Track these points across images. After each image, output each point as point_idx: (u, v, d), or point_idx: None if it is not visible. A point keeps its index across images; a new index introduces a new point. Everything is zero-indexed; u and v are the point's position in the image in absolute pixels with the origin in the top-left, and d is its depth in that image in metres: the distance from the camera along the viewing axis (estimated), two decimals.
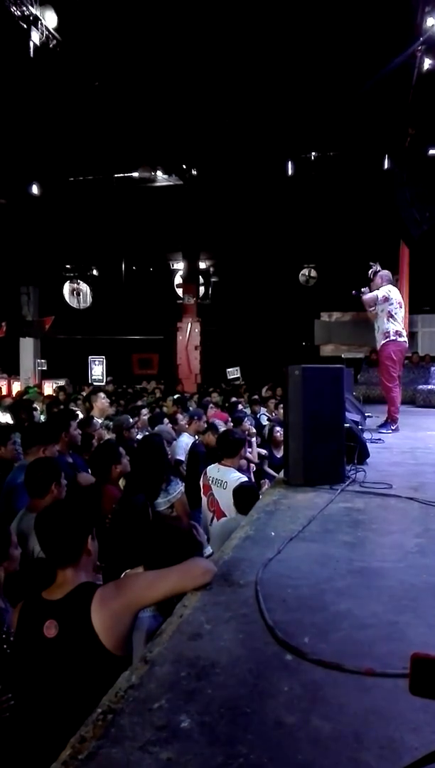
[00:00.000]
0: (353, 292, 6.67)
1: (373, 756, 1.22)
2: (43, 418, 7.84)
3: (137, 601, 1.88)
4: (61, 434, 4.47)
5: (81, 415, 6.09)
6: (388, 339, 6.36)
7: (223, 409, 9.16)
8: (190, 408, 7.94)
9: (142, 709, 1.37)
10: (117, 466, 4.05)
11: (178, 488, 3.82)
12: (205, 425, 6.33)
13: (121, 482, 4.22)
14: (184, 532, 2.51)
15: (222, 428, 5.99)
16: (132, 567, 2.43)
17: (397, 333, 6.37)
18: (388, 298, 6.35)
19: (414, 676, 1.07)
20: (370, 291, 6.57)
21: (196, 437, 6.13)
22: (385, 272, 6.61)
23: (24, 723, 1.87)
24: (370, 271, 6.60)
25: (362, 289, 6.59)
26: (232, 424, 6.60)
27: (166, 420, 6.65)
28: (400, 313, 6.49)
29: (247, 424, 6.69)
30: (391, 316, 6.36)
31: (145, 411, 7.49)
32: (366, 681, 1.50)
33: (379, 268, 6.58)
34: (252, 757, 1.21)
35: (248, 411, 8.62)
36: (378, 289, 6.46)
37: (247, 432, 6.37)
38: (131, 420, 6.22)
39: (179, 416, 6.84)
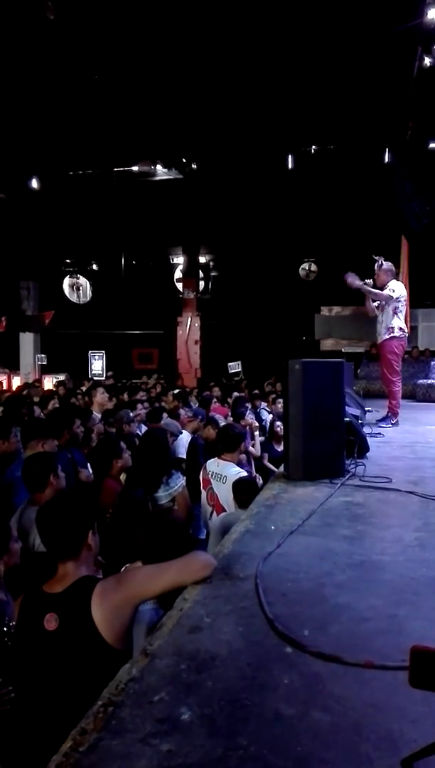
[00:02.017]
0: (358, 282, 6.63)
1: (373, 748, 1.22)
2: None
3: (137, 595, 1.88)
4: (63, 430, 4.48)
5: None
6: (391, 335, 6.35)
7: (225, 403, 9.16)
8: (192, 403, 7.94)
9: (142, 702, 1.37)
10: (118, 460, 4.06)
11: (180, 482, 3.83)
12: (202, 424, 6.33)
13: (123, 476, 4.23)
14: (180, 526, 2.52)
15: (221, 422, 5.99)
16: (131, 562, 2.44)
17: (401, 329, 6.38)
18: (399, 297, 6.39)
19: (413, 669, 1.08)
20: (375, 285, 6.52)
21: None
22: (388, 265, 6.60)
23: (25, 715, 1.88)
24: (376, 266, 6.56)
25: (366, 281, 6.55)
26: (231, 419, 6.59)
27: (165, 415, 6.64)
28: (405, 310, 6.49)
29: (250, 417, 6.69)
30: (396, 312, 6.35)
31: (140, 405, 7.50)
32: (365, 674, 1.50)
33: (382, 261, 6.55)
34: (252, 749, 1.21)
35: (249, 405, 8.63)
36: (384, 285, 6.45)
37: (249, 425, 6.37)
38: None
39: (181, 411, 6.83)
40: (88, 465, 4.45)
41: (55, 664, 1.83)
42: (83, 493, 2.31)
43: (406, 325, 6.79)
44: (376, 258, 6.57)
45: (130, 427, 5.91)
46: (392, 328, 6.35)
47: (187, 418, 6.50)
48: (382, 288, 6.49)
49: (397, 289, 6.43)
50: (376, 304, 6.55)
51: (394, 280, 6.57)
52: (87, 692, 1.53)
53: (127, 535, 2.83)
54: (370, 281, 6.57)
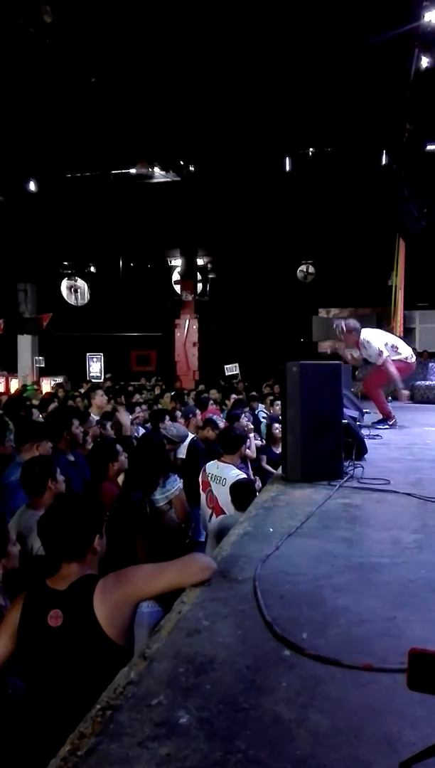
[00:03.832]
0: (327, 351, 6.57)
1: (371, 751, 1.22)
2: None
3: (136, 593, 1.90)
4: (63, 432, 4.47)
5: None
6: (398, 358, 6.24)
7: (222, 405, 9.17)
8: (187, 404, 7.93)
9: (140, 706, 1.37)
10: (114, 463, 4.05)
11: (176, 484, 3.83)
12: (201, 420, 6.33)
13: (121, 479, 4.22)
14: (176, 528, 2.52)
15: (220, 424, 5.99)
16: (128, 564, 2.43)
17: (407, 357, 6.30)
18: (388, 344, 6.24)
19: (412, 671, 1.07)
20: (345, 347, 6.41)
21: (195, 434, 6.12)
22: (351, 324, 6.26)
23: (30, 713, 1.88)
24: (337, 332, 6.32)
25: (328, 351, 6.45)
26: (222, 422, 6.58)
27: (167, 417, 6.60)
28: (400, 341, 6.42)
29: (245, 420, 6.69)
30: (395, 351, 6.23)
31: (138, 408, 7.49)
32: (364, 676, 1.50)
33: (342, 325, 6.25)
34: (250, 752, 1.21)
35: (246, 408, 8.62)
36: (352, 343, 6.23)
37: (244, 428, 6.37)
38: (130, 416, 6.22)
39: (178, 413, 6.83)
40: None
41: (60, 661, 1.84)
42: (90, 496, 2.28)
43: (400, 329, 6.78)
44: (336, 323, 6.34)
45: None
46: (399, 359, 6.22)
47: (183, 423, 6.48)
48: (356, 345, 6.28)
49: (376, 340, 6.17)
50: (356, 354, 6.36)
51: (365, 333, 6.23)
52: (91, 687, 1.53)
53: (124, 538, 2.83)
54: (341, 344, 6.44)
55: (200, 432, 6.16)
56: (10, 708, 2.02)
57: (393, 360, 6.16)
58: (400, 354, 6.28)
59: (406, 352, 6.37)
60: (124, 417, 6.15)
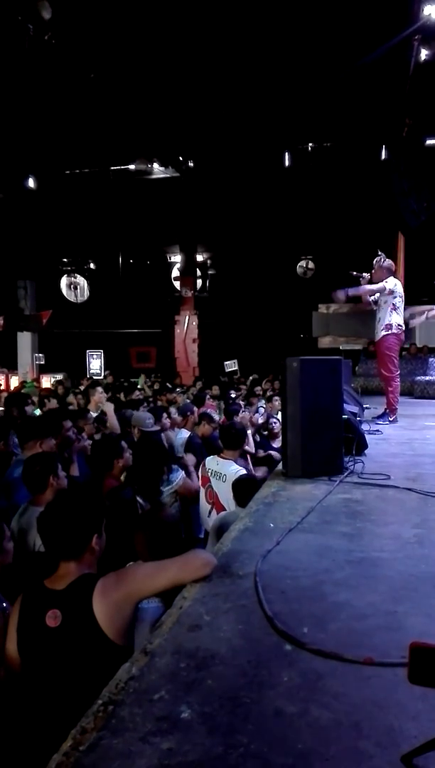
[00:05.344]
0: (353, 273, 6.67)
1: (373, 744, 1.22)
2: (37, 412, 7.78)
3: (137, 592, 1.89)
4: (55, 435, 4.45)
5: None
6: (390, 332, 6.35)
7: (221, 401, 9.17)
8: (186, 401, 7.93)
9: (142, 700, 1.37)
10: (119, 460, 4.04)
11: (180, 474, 3.87)
12: (197, 417, 6.33)
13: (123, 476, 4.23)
14: (174, 524, 2.51)
15: (215, 417, 5.99)
16: (122, 560, 2.43)
17: (399, 326, 6.38)
18: (393, 291, 6.35)
19: (413, 665, 1.08)
20: (371, 280, 6.56)
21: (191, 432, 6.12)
22: (389, 263, 6.59)
23: (27, 713, 1.88)
24: (375, 260, 6.57)
25: (363, 274, 6.58)
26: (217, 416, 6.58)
27: (165, 414, 6.57)
28: (402, 306, 6.50)
29: (243, 414, 6.68)
30: (394, 308, 6.34)
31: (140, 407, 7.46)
32: (365, 670, 1.50)
33: (384, 258, 6.55)
34: (252, 746, 1.21)
35: (243, 404, 8.61)
36: (380, 281, 6.43)
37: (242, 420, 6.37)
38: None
39: (172, 409, 6.82)
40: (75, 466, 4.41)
41: (58, 661, 1.83)
42: (89, 494, 2.26)
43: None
44: (380, 253, 6.57)
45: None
46: (390, 324, 6.34)
47: (180, 420, 6.46)
48: (377, 283, 6.51)
49: (392, 283, 6.42)
50: (372, 298, 6.55)
51: (392, 278, 6.56)
52: (90, 688, 1.53)
53: (117, 534, 2.82)
54: (367, 275, 6.58)
55: (196, 427, 6.16)
56: (10, 709, 2.02)
57: (394, 333, 6.33)
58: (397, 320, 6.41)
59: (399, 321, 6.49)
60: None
